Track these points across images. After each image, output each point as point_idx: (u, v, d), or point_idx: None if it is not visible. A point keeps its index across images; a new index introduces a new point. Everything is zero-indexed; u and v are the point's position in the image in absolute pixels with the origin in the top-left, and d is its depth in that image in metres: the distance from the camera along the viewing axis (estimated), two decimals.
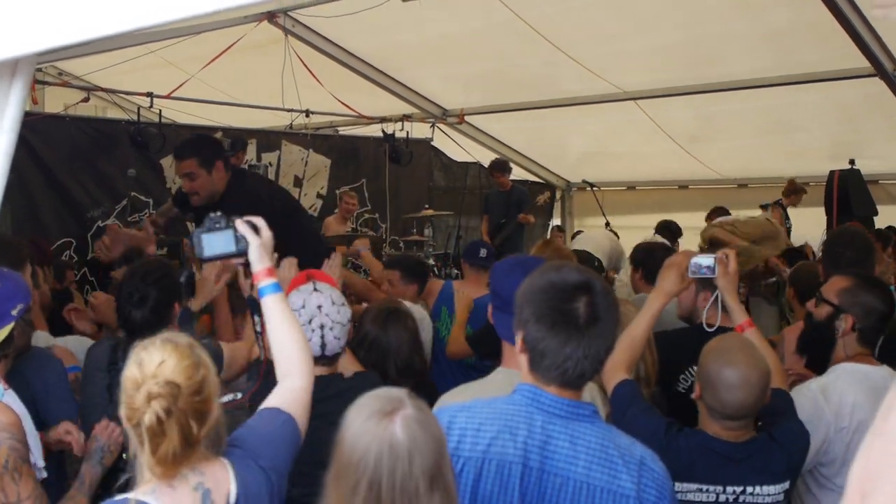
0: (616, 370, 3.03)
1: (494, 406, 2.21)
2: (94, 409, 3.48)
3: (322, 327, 3.10)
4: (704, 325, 3.53)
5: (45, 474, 2.97)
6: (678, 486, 2.71)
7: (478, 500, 2.09)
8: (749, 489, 2.77)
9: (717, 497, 2.79)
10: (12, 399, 2.94)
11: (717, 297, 3.51)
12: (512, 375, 3.00)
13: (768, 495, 2.79)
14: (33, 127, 8.34)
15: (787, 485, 2.83)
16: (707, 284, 3.56)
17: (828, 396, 3.27)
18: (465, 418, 2.19)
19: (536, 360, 2.19)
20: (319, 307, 3.12)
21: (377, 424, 1.77)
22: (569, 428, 2.15)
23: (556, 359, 2.14)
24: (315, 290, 3.17)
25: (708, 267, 3.38)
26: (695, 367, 3.97)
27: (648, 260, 5.15)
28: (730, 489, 2.78)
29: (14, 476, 2.67)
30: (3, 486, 2.64)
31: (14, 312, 2.95)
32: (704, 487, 2.79)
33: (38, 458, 2.94)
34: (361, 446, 1.76)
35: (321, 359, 3.11)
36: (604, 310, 2.14)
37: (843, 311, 3.42)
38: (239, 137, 8.95)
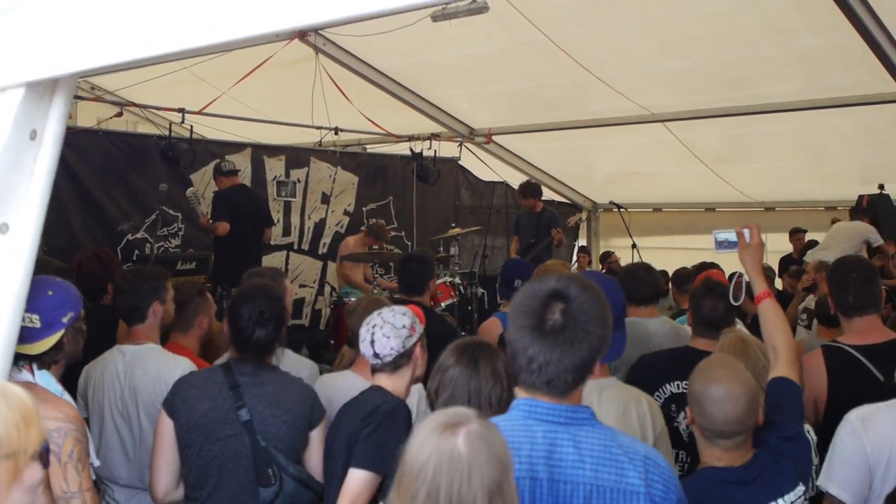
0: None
1: None
2: (214, 436, 3.48)
3: (374, 326, 3.27)
4: (731, 299, 3.79)
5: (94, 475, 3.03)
6: None
7: None
8: None
9: None
10: (70, 399, 3.04)
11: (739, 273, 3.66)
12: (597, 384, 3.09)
13: (792, 502, 2.79)
14: (66, 140, 8.35)
15: (802, 487, 2.83)
16: None
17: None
18: None
19: (513, 362, 2.23)
20: (379, 313, 3.34)
21: (440, 436, 1.80)
22: (570, 433, 2.16)
23: (521, 361, 2.16)
24: (388, 305, 3.47)
25: (731, 241, 3.54)
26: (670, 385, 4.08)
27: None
28: None
29: (78, 466, 2.75)
30: (67, 474, 2.71)
31: (64, 320, 3.02)
32: None
33: (93, 456, 3.02)
34: (423, 457, 1.78)
35: (376, 359, 3.27)
36: (573, 318, 2.13)
37: None
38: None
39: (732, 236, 3.54)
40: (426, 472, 1.76)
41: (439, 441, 1.78)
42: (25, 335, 2.84)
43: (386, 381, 3.32)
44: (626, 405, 3.13)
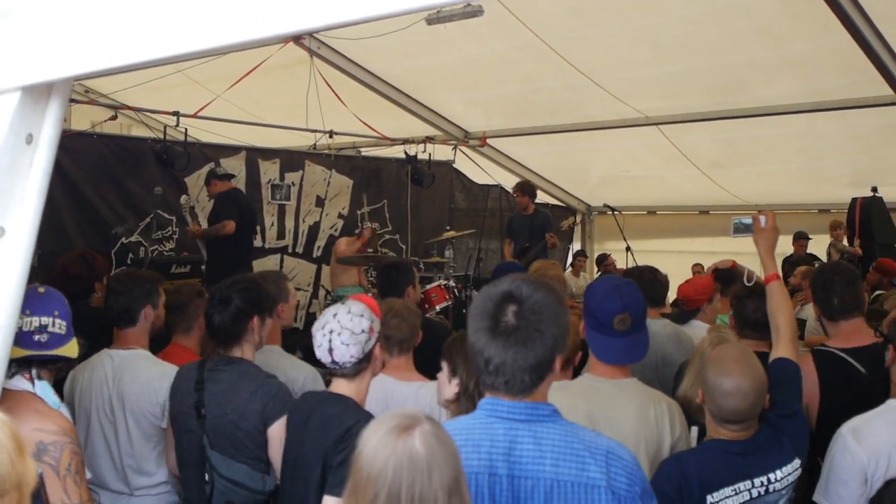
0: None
1: (455, 425, 2.27)
2: (182, 428, 3.64)
3: (331, 332, 3.09)
4: (744, 280, 4.11)
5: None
6: (714, 496, 2.88)
7: None
8: (772, 476, 2.95)
9: (751, 492, 2.93)
10: (66, 412, 3.03)
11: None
12: (593, 380, 3.20)
13: (789, 475, 2.99)
14: (60, 143, 8.30)
15: (798, 461, 3.04)
16: None
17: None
18: None
19: (473, 364, 2.27)
20: (335, 315, 3.13)
21: (396, 439, 1.82)
22: (532, 430, 2.20)
23: (479, 362, 2.21)
24: (344, 304, 3.20)
25: (746, 224, 3.86)
26: None
27: None
28: (757, 481, 2.93)
29: (76, 479, 2.75)
30: (67, 487, 2.71)
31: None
32: (736, 487, 2.91)
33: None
34: (380, 460, 1.81)
35: (334, 366, 3.13)
36: (525, 318, 2.15)
37: (890, 341, 3.42)
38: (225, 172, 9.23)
39: (749, 221, 3.83)
40: (385, 474, 1.79)
41: (396, 443, 1.81)
42: (55, 341, 2.91)
43: (346, 387, 3.19)
44: (645, 405, 3.15)
